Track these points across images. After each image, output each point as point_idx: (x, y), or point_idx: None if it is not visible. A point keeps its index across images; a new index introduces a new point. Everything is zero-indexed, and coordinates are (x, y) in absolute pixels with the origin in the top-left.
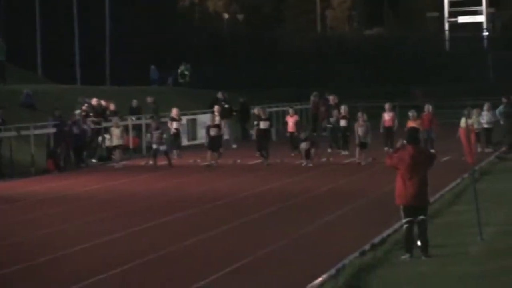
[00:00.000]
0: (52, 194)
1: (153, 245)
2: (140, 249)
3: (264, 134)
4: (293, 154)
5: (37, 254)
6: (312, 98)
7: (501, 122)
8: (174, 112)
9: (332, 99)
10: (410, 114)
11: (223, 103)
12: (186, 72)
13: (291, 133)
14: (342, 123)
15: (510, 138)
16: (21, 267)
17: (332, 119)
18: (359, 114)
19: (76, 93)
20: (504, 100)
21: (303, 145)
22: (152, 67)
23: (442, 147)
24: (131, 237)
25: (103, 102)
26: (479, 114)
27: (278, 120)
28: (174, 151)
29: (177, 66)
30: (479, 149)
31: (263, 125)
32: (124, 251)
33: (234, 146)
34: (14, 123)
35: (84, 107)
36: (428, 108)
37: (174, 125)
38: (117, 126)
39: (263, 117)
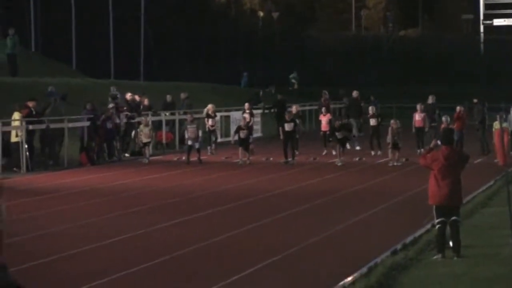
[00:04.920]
0: (84, 187)
1: (184, 240)
2: (171, 243)
3: (289, 136)
4: (325, 153)
5: (65, 246)
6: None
7: None
8: (210, 108)
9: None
10: (443, 118)
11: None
12: (294, 81)
13: (324, 131)
14: (372, 122)
15: None
16: (49, 260)
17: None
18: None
19: (110, 87)
20: None
21: (339, 135)
22: (245, 73)
23: (476, 149)
24: (162, 232)
25: (137, 97)
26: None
27: (311, 119)
28: (208, 148)
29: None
30: None
31: (287, 127)
32: (154, 246)
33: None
34: (47, 115)
35: (115, 102)
36: (459, 109)
37: (210, 122)
38: (146, 125)
39: (287, 119)
